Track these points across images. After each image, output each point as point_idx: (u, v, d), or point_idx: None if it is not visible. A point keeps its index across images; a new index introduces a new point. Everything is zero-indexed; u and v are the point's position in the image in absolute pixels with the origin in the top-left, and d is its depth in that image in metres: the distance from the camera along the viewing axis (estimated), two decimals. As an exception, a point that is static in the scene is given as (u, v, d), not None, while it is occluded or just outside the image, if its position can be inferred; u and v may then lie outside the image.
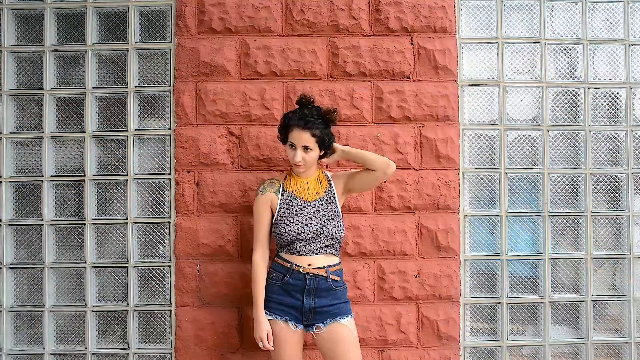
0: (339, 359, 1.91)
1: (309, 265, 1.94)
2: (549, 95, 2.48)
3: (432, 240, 2.36)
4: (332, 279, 1.95)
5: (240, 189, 2.35)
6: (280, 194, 2.01)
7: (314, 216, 1.97)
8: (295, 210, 1.97)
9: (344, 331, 1.93)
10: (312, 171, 2.03)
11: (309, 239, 1.94)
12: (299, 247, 1.94)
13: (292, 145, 1.94)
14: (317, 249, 1.95)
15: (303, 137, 1.90)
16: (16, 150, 2.46)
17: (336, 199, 2.02)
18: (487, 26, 2.49)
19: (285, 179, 2.05)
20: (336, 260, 2.00)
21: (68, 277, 2.43)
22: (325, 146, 1.97)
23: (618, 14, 2.51)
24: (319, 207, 1.98)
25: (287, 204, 1.99)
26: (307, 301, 1.92)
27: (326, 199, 2.00)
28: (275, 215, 1.99)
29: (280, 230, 1.95)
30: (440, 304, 2.35)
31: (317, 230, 1.94)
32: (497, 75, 2.47)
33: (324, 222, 1.95)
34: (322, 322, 1.92)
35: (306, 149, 1.92)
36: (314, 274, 1.93)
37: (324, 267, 1.94)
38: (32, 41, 2.46)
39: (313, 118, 1.91)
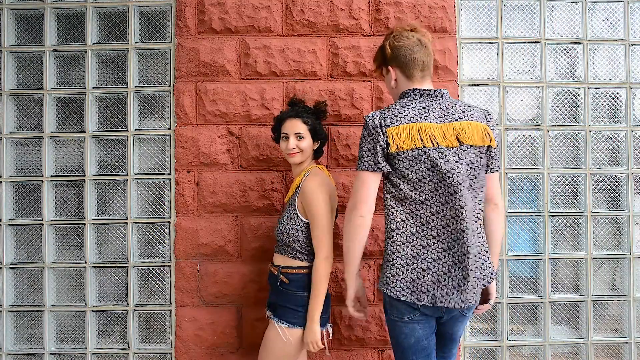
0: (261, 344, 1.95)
1: (271, 263, 2.02)
2: (549, 95, 2.48)
3: (432, 240, 2.36)
4: (281, 280, 1.91)
5: (240, 189, 2.35)
6: None
7: (281, 217, 2.02)
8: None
9: (270, 333, 1.91)
10: (302, 167, 2.01)
11: (275, 240, 2.03)
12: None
13: (285, 136, 1.97)
14: (277, 248, 2.01)
15: (295, 124, 1.96)
16: (16, 150, 2.46)
17: (297, 199, 1.93)
18: (487, 26, 2.49)
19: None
20: (296, 264, 1.91)
21: (68, 277, 2.43)
22: (319, 136, 2.02)
23: (618, 14, 2.51)
24: (286, 208, 2.02)
25: None
26: (270, 296, 2.00)
27: (291, 200, 1.98)
28: None
29: None
30: (440, 304, 2.35)
31: (275, 230, 2.02)
32: (497, 75, 2.47)
33: (278, 223, 2.00)
34: (272, 316, 1.94)
35: (299, 137, 1.95)
36: (271, 272, 1.99)
37: (278, 266, 1.95)
38: (32, 41, 2.46)
39: (304, 109, 2.01)
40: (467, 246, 1.64)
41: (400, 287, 1.66)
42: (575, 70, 2.50)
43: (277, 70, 2.37)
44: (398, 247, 1.68)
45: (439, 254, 1.66)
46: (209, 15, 2.38)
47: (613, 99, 2.50)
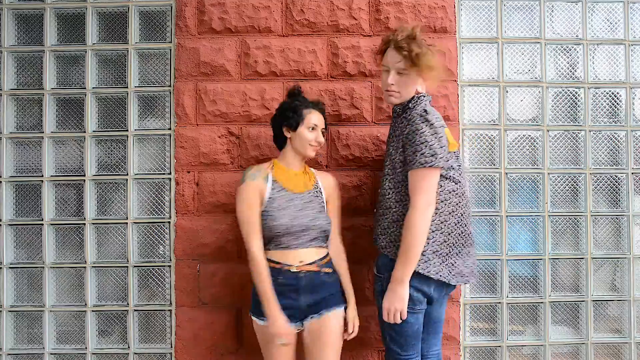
0: (318, 348, 1.89)
1: (300, 262, 1.88)
2: (549, 95, 2.48)
3: (432, 240, 2.36)
4: (325, 272, 1.93)
5: (240, 189, 2.35)
6: (269, 183, 1.94)
7: (303, 208, 1.93)
8: (284, 202, 1.91)
9: (332, 322, 1.91)
10: (303, 162, 2.05)
11: (299, 232, 1.88)
12: (288, 241, 1.88)
13: (314, 128, 1.98)
14: (307, 242, 1.90)
15: (321, 120, 2.02)
16: (16, 150, 2.46)
17: (323, 193, 2.03)
18: (487, 26, 2.49)
19: (272, 168, 1.99)
20: (325, 252, 1.98)
21: (68, 277, 2.43)
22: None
23: (618, 14, 2.51)
24: (307, 199, 1.96)
25: (275, 195, 1.92)
26: (304, 299, 1.88)
27: (314, 192, 2.00)
28: (264, 206, 1.91)
29: (269, 223, 1.87)
30: (440, 304, 2.35)
31: (307, 222, 1.89)
32: (497, 75, 2.47)
33: (314, 214, 1.93)
34: (318, 314, 1.90)
35: (323, 133, 2.02)
36: (307, 271, 1.88)
37: (314, 261, 1.91)
38: (32, 41, 2.46)
39: (319, 105, 2.06)
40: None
41: (447, 271, 1.82)
42: (575, 70, 2.50)
43: (277, 70, 2.37)
44: (442, 237, 1.81)
45: (465, 240, 1.89)
46: (209, 15, 2.38)
47: (613, 99, 2.50)
